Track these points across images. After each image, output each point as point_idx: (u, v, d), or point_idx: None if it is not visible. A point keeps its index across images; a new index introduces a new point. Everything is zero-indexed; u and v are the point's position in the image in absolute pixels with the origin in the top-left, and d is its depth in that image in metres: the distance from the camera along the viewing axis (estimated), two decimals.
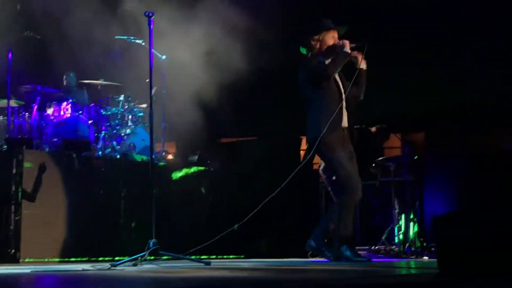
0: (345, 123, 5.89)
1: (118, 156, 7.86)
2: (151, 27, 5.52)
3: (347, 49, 5.76)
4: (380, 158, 8.26)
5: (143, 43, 7.68)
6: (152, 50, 5.68)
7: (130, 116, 8.22)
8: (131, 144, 8.00)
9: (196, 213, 7.84)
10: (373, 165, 8.26)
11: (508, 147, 8.17)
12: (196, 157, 8.65)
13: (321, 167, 7.15)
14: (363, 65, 5.96)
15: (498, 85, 8.83)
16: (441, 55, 9.19)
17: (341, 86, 5.92)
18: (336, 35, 5.90)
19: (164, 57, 8.22)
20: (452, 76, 9.05)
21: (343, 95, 5.88)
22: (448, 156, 8.29)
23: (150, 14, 5.50)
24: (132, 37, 8.09)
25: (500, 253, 3.23)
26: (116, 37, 8.69)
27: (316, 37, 5.89)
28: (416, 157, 7.89)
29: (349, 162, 5.81)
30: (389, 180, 8.04)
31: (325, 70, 5.76)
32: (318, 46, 5.90)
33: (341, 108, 5.82)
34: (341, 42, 5.81)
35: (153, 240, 5.16)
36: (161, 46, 7.96)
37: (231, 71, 10.12)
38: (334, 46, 5.86)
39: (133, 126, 8.20)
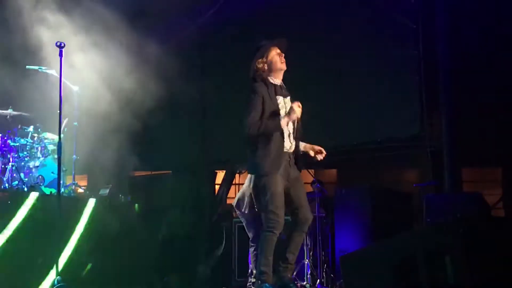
0: (290, 148, 5.78)
1: (25, 189, 7.60)
2: (62, 57, 5.43)
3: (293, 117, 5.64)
4: None
5: (55, 74, 7.51)
6: (64, 81, 5.57)
7: (39, 148, 7.97)
8: (40, 176, 7.77)
9: (107, 247, 7.66)
10: None
11: (418, 184, 8.43)
12: (107, 191, 8.48)
13: (235, 203, 7.17)
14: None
15: (406, 125, 9.11)
16: (352, 93, 9.42)
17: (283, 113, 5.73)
18: (279, 50, 5.84)
19: (76, 88, 8.07)
20: (362, 115, 9.28)
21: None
22: (358, 193, 8.45)
23: (62, 45, 5.40)
24: (43, 67, 7.91)
25: None
26: (27, 67, 8.48)
27: (261, 59, 5.79)
28: (326, 193, 8.01)
29: (281, 194, 5.66)
30: None
31: (249, 129, 5.58)
32: (266, 67, 5.79)
33: (281, 143, 5.69)
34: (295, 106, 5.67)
35: (57, 277, 5.00)
36: (74, 77, 7.83)
37: (144, 104, 10.08)
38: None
39: (42, 158, 7.95)
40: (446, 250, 3.61)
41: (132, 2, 9.38)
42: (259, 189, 5.70)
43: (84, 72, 7.95)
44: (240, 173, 10.47)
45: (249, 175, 8.04)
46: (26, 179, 7.68)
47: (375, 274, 3.32)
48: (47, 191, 7.78)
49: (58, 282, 4.99)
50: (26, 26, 8.43)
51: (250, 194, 7.92)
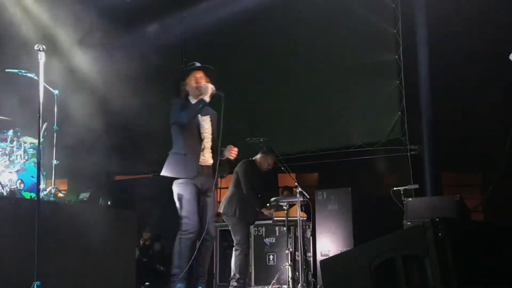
0: (206, 162, 6.20)
1: (4, 194, 7.54)
2: (42, 61, 5.39)
3: (207, 97, 6.11)
4: (274, 198, 8.35)
5: (35, 77, 7.46)
6: (44, 84, 5.53)
7: (19, 152, 7.91)
8: (19, 180, 7.70)
9: (86, 253, 7.60)
10: (268, 204, 8.35)
11: (398, 188, 8.45)
12: (87, 194, 8.45)
13: (221, 207, 7.27)
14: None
15: (386, 129, 9.16)
16: (333, 98, 9.46)
17: (202, 128, 6.25)
18: (201, 74, 6.23)
19: (56, 92, 8.02)
20: (343, 119, 9.32)
21: (203, 135, 6.24)
22: (338, 196, 8.49)
23: (41, 48, 5.37)
24: (23, 71, 7.85)
25: None
26: (7, 70, 8.42)
27: (184, 81, 6.30)
28: (307, 197, 8.02)
29: (193, 201, 6.01)
30: (282, 220, 8.13)
31: (181, 117, 6.11)
32: (187, 88, 6.29)
33: (196, 152, 6.14)
34: (205, 85, 6.11)
35: (37, 282, 4.96)
36: (53, 81, 7.78)
37: (124, 108, 10.06)
38: (200, 87, 6.12)
39: (22, 162, 7.89)
40: (425, 253, 3.63)
41: (115, 4, 9.40)
42: (175, 194, 6.18)
43: (64, 76, 7.91)
44: (222, 177, 10.44)
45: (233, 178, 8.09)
46: (6, 184, 7.62)
47: (355, 278, 3.34)
48: (26, 195, 7.71)
49: (38, 287, 4.94)
50: (5, 27, 8.42)
51: (236, 198, 7.98)
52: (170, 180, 10.26)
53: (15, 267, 5.56)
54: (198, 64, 6.34)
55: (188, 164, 6.10)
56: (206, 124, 6.34)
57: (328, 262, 3.50)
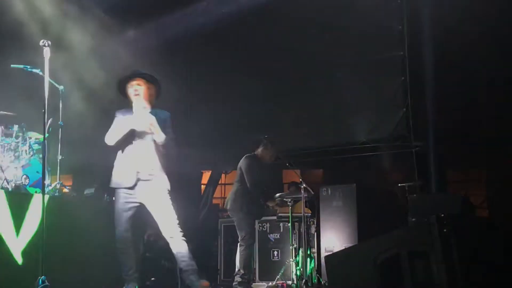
0: (141, 169, 6.19)
1: (10, 189, 7.55)
2: (47, 56, 5.40)
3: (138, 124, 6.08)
4: (278, 194, 8.36)
5: (40, 73, 7.46)
6: (49, 80, 5.54)
7: (24, 148, 7.92)
8: (24, 176, 7.71)
9: (91, 248, 7.62)
10: (272, 200, 8.36)
11: (403, 184, 8.46)
12: (92, 190, 8.46)
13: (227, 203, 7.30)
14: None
15: (391, 126, 9.15)
16: (338, 94, 9.45)
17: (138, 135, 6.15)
18: (139, 82, 6.15)
19: (61, 87, 8.02)
20: (348, 116, 9.31)
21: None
22: (343, 192, 8.49)
23: (46, 44, 5.38)
24: (28, 66, 7.86)
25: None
26: (12, 65, 8.43)
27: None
28: (312, 193, 8.03)
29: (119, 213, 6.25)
30: (287, 216, 8.14)
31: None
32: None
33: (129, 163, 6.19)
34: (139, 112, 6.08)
35: (42, 277, 4.97)
36: (59, 77, 7.79)
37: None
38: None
39: (27, 158, 7.91)
40: (429, 249, 3.63)
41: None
42: None
43: (69, 71, 7.92)
44: (226, 173, 10.48)
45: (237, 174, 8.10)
46: (11, 179, 7.64)
47: (359, 274, 3.34)
48: (31, 191, 7.73)
49: (43, 282, 4.96)
50: (11, 23, 8.42)
51: (241, 193, 7.99)
52: (175, 177, 10.32)
53: (22, 261, 5.58)
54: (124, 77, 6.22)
55: (120, 171, 6.41)
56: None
57: (333, 257, 3.51)
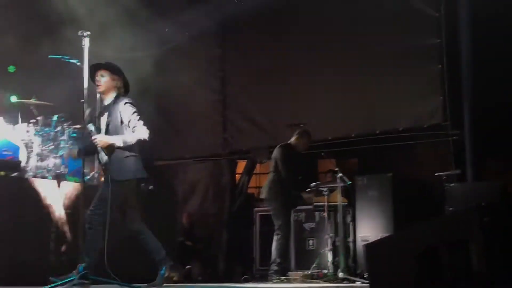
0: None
1: (49, 178, 7.68)
2: (86, 46, 5.47)
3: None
4: (314, 183, 8.36)
5: (78, 63, 7.55)
6: (85, 70, 5.61)
7: (63, 137, 8.04)
8: (63, 165, 7.84)
9: (129, 236, 7.72)
10: (308, 190, 8.36)
11: (440, 173, 8.37)
12: None
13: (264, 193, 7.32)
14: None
15: (428, 114, 9.06)
16: (375, 82, 9.38)
17: None
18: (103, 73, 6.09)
19: None
20: (384, 104, 9.24)
21: None
22: (380, 182, 8.44)
23: (85, 34, 5.44)
24: (66, 57, 7.96)
25: (432, 278, 3.31)
26: (50, 56, 8.53)
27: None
28: (349, 182, 8.01)
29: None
30: (323, 205, 8.14)
31: None
32: None
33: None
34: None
35: (83, 264, 5.06)
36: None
37: (166, 93, 10.14)
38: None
39: (66, 147, 8.02)
40: (469, 238, 3.60)
41: None
42: None
43: (107, 60, 7.97)
44: (261, 162, 10.49)
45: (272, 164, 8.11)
46: (50, 168, 7.76)
47: (399, 262, 3.33)
48: (71, 180, 7.85)
49: (83, 269, 5.04)
50: (49, 14, 8.51)
51: (276, 183, 8.01)
52: (210, 167, 10.39)
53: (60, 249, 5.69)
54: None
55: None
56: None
57: (372, 246, 3.50)
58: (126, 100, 5.93)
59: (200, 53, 10.41)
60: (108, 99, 6.00)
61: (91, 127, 5.78)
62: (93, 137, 5.75)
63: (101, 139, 5.78)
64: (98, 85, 5.95)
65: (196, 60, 10.41)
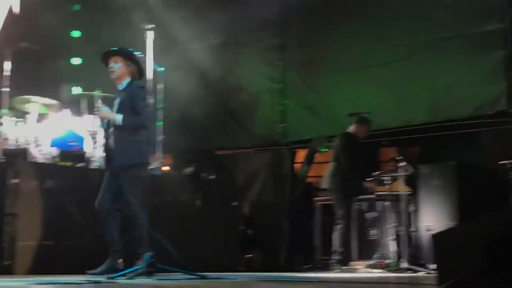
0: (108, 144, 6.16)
1: None
2: (150, 39, 5.54)
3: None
4: (376, 172, 8.29)
5: (141, 55, 7.65)
6: (149, 63, 5.68)
7: None
8: None
9: (190, 225, 7.82)
10: (369, 179, 8.29)
11: (505, 162, 8.18)
12: (191, 169, 8.65)
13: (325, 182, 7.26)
14: None
15: (492, 101, 8.85)
16: (436, 69, 9.22)
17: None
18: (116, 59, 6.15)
19: (162, 69, 8.21)
20: (446, 91, 9.07)
21: None
22: (444, 170, 8.30)
23: (149, 27, 5.52)
24: (130, 49, 8.08)
25: (503, 268, 3.24)
26: (112, 48, 8.68)
27: None
28: (412, 171, 7.90)
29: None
30: (385, 194, 8.06)
31: None
32: None
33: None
34: None
35: (149, 253, 5.14)
36: (159, 59, 7.97)
37: (226, 83, 10.20)
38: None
39: None
40: None
41: None
42: None
43: (169, 53, 8.09)
44: (321, 152, 10.44)
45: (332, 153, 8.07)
46: None
47: (469, 252, 3.27)
48: None
49: (150, 257, 5.12)
50: (114, 8, 8.68)
51: (337, 172, 7.97)
52: (270, 156, 10.41)
53: (127, 238, 5.79)
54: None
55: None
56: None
57: (440, 235, 3.44)
58: (139, 85, 5.93)
59: (259, 43, 10.39)
60: (123, 84, 6.01)
61: (99, 102, 5.86)
62: (96, 108, 5.84)
63: (103, 111, 5.85)
64: (111, 72, 5.96)
65: (255, 49, 10.40)
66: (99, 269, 5.71)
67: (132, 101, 5.88)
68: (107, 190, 5.90)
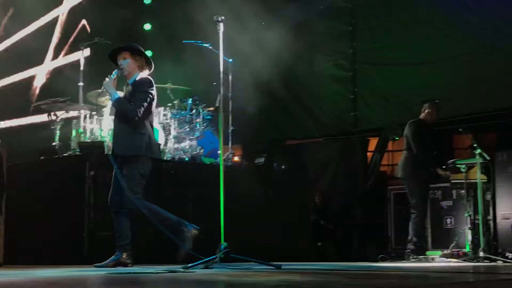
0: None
1: (186, 159, 7.95)
2: (221, 31, 5.56)
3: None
4: (452, 160, 8.10)
5: (210, 47, 7.72)
6: (220, 54, 5.71)
7: (198, 119, 8.29)
8: (199, 147, 8.08)
9: (262, 215, 7.86)
10: (444, 167, 8.11)
11: None
12: (262, 160, 8.68)
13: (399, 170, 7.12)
14: None
15: None
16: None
17: None
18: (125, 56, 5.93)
19: (231, 60, 8.25)
20: None
21: None
22: None
23: (220, 19, 5.55)
24: (199, 41, 8.17)
25: None
26: (184, 41, 8.80)
27: None
28: (488, 158, 7.69)
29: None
30: (460, 182, 7.88)
31: None
32: None
33: None
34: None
35: (224, 243, 5.18)
36: (227, 49, 8.02)
37: (295, 73, 10.16)
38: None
39: (201, 129, 8.27)
40: None
41: None
42: None
43: (238, 44, 8.11)
44: (393, 140, 10.29)
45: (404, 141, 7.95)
46: (187, 150, 8.03)
47: None
48: (206, 161, 8.09)
49: (224, 248, 5.17)
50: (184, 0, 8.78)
51: (410, 160, 7.84)
52: (341, 145, 10.34)
53: (202, 229, 5.83)
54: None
55: None
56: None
57: None
58: (143, 77, 5.87)
59: (329, 31, 10.32)
60: (132, 78, 5.95)
61: (111, 77, 5.78)
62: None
63: (105, 82, 5.76)
64: (121, 69, 5.89)
65: (325, 37, 10.34)
66: (104, 263, 5.67)
67: (133, 92, 5.82)
68: (114, 185, 5.77)
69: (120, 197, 5.69)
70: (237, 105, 8.53)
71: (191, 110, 8.32)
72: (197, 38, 8.30)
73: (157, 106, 8.21)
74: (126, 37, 9.18)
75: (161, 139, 7.83)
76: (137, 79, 5.83)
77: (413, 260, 7.64)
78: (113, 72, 5.79)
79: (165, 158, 7.67)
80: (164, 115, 8.06)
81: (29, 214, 6.96)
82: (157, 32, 10.08)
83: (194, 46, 8.47)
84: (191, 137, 8.11)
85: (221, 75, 5.70)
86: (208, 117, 8.45)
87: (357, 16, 10.19)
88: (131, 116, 5.66)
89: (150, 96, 5.75)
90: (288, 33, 9.81)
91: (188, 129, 8.17)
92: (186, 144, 8.07)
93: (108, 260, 5.64)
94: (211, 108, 8.51)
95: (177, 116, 8.16)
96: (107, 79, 5.75)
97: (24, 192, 7.10)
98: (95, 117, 7.69)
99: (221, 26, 5.57)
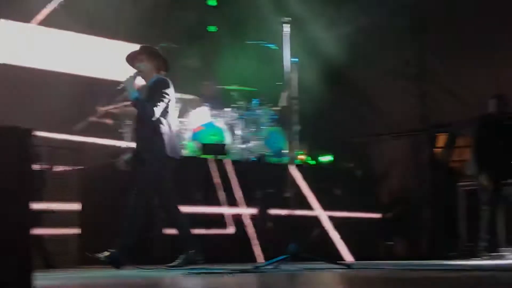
0: None
1: (253, 159, 8.01)
2: (287, 32, 5.59)
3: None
4: None
5: (275, 47, 7.76)
6: (286, 55, 5.73)
7: (264, 119, 8.33)
8: (266, 146, 8.13)
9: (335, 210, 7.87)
10: None
11: None
12: (329, 158, 8.68)
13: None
14: None
15: None
16: None
17: None
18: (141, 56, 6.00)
19: (296, 59, 8.25)
20: None
21: None
22: None
23: (286, 20, 5.58)
24: (264, 42, 8.22)
25: None
26: (248, 41, 8.87)
27: None
28: None
29: None
30: None
31: None
32: None
33: None
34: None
35: (293, 244, 5.20)
36: (292, 49, 8.04)
37: (359, 70, 10.09)
38: None
39: (267, 129, 8.32)
40: None
41: None
42: None
43: (304, 43, 8.11)
44: (462, 135, 10.10)
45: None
46: (254, 150, 8.09)
47: None
48: (272, 160, 8.13)
49: (293, 248, 5.18)
50: (249, 1, 8.84)
51: (478, 158, 7.68)
52: (408, 142, 10.21)
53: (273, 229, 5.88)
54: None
55: None
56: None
57: None
58: (161, 78, 5.91)
59: (394, 26, 10.20)
60: (150, 80, 5.96)
61: (132, 77, 5.82)
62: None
63: (125, 79, 5.81)
64: (139, 72, 5.89)
65: (390, 33, 10.22)
66: (176, 262, 5.73)
67: (150, 93, 5.87)
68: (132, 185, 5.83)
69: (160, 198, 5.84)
70: (302, 104, 8.52)
71: (258, 110, 8.37)
72: (261, 39, 8.35)
73: (223, 106, 8.35)
74: (192, 39, 9.31)
75: (228, 140, 7.91)
76: (154, 80, 5.89)
77: (486, 257, 7.49)
78: (135, 72, 5.91)
79: (232, 159, 7.76)
80: (231, 116, 8.15)
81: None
82: (221, 33, 10.16)
83: (258, 46, 8.52)
84: (257, 137, 8.17)
85: (287, 75, 5.72)
86: (275, 116, 8.48)
87: (423, 10, 10.03)
88: (148, 114, 5.74)
89: (167, 96, 5.82)
90: (354, 30, 9.75)
91: (254, 129, 8.22)
92: (252, 144, 8.13)
93: (179, 260, 5.74)
94: (277, 108, 8.54)
95: (243, 117, 8.23)
96: (128, 77, 5.85)
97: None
98: None
99: (287, 27, 5.60)
